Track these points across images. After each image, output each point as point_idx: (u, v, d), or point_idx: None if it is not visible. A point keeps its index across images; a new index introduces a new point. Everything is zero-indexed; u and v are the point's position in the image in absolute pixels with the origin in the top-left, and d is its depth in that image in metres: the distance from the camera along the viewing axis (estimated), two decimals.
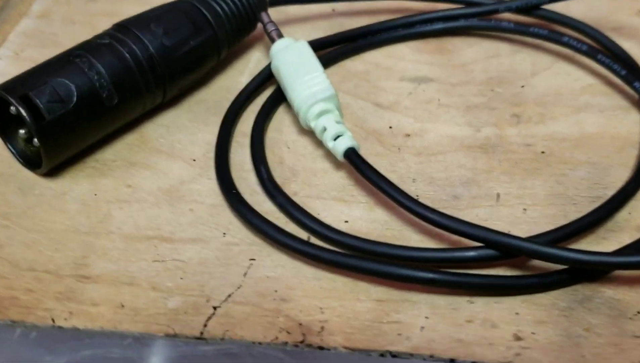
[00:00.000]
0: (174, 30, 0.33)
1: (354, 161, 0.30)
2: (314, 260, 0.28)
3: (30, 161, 0.32)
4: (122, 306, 0.27)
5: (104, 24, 0.38)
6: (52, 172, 0.31)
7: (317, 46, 0.37)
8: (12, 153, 0.32)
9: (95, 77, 0.31)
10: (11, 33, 0.40)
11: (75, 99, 0.30)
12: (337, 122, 0.32)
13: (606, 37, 0.37)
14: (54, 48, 0.38)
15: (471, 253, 0.27)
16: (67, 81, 0.30)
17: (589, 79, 0.36)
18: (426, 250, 0.28)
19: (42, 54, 0.37)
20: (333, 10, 0.42)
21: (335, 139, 0.31)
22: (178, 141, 0.33)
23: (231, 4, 0.36)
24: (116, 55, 0.32)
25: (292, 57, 0.34)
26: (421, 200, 0.30)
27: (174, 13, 0.34)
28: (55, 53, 0.37)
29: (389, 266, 0.27)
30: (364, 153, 0.32)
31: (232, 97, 0.35)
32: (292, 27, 0.40)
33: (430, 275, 0.26)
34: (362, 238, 0.28)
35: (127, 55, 0.32)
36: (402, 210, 0.29)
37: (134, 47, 0.32)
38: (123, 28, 0.33)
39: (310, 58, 0.34)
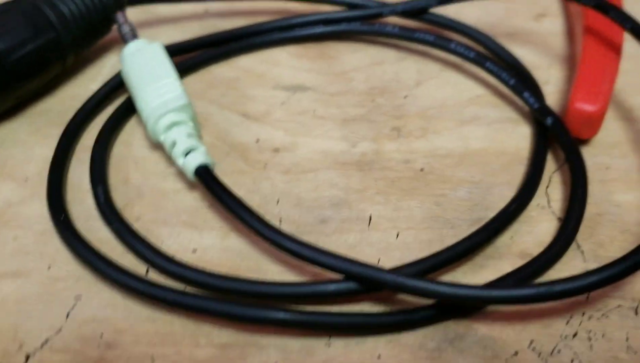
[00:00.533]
0: (8, 32, 0.29)
1: (206, 180, 0.27)
2: (149, 298, 0.24)
3: None
4: None
5: None
6: None
7: (181, 49, 0.34)
8: None
9: None
10: None
11: None
12: (189, 136, 0.28)
13: (496, 43, 0.34)
14: None
15: (331, 287, 0.23)
16: None
17: (478, 90, 0.33)
18: (280, 285, 0.24)
19: None
20: (206, 11, 0.38)
21: (186, 155, 0.27)
22: (11, 157, 0.29)
23: (80, 3, 0.31)
24: None
25: (143, 62, 0.30)
26: (284, 225, 0.27)
27: (10, 14, 0.30)
28: None
29: (232, 306, 0.23)
30: (224, 170, 0.29)
31: (79, 106, 0.31)
32: (159, 29, 0.36)
33: (281, 315, 0.23)
34: (207, 272, 0.24)
35: None
36: (258, 238, 0.25)
37: None
38: None
39: (163, 62, 0.30)
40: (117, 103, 0.32)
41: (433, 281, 0.23)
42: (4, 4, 0.30)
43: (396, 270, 0.24)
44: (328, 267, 0.24)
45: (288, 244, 0.24)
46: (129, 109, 0.31)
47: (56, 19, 0.30)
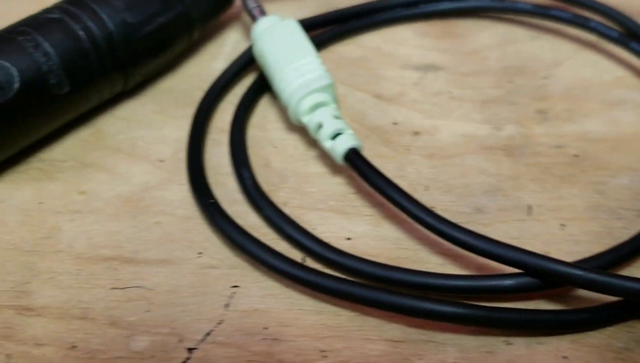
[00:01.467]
0: (138, 4, 0.28)
1: (357, 164, 0.25)
2: (313, 288, 0.22)
3: None
4: (74, 346, 0.21)
5: None
6: None
7: (305, 27, 0.32)
8: None
9: (42, 60, 0.25)
10: None
11: (17, 85, 0.24)
12: (336, 118, 0.26)
13: (637, 24, 0.32)
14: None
15: (508, 282, 0.22)
16: (7, 64, 0.24)
17: (619, 71, 0.32)
18: (452, 277, 0.22)
19: None
20: None
21: (333, 138, 0.26)
22: (141, 138, 0.28)
23: None
24: (68, 33, 0.26)
25: (279, 39, 0.28)
26: (437, 212, 0.25)
27: None
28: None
29: (407, 299, 0.21)
30: (366, 154, 0.27)
31: (204, 85, 0.30)
32: (272, 5, 0.35)
33: (460, 310, 0.21)
34: (372, 261, 0.23)
35: (82, 33, 0.26)
36: (416, 225, 0.24)
37: (89, 23, 0.26)
38: (78, 1, 0.27)
39: (302, 40, 0.28)
40: (242, 83, 0.30)
41: (623, 276, 0.21)
42: None
43: (580, 265, 0.22)
44: (504, 260, 0.22)
45: (458, 234, 0.23)
46: (259, 90, 0.29)
47: None
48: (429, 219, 0.23)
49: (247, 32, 0.33)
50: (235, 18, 0.34)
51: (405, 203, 0.23)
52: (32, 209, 0.25)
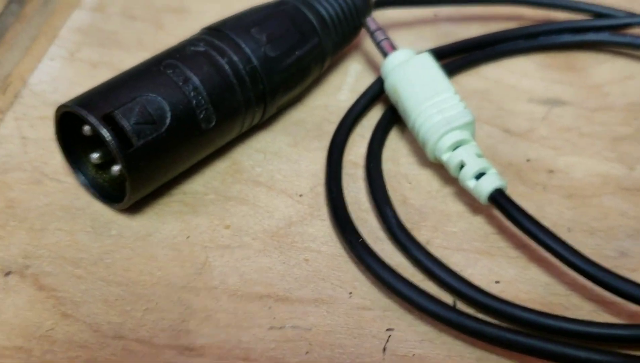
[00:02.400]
0: (278, 38, 0.28)
1: (504, 205, 0.25)
2: (473, 335, 0.22)
3: (104, 192, 0.26)
4: None
5: (171, 22, 0.33)
6: (131, 207, 0.26)
7: None
8: (82, 182, 0.26)
9: (192, 94, 0.25)
10: (62, 28, 0.34)
11: (168, 120, 0.24)
12: (478, 156, 0.26)
13: None
14: (115, 49, 0.33)
15: None
16: (159, 98, 0.24)
17: None
18: (609, 326, 0.22)
19: (102, 55, 0.32)
20: (435, 15, 0.36)
21: (477, 178, 0.26)
22: (278, 171, 0.28)
23: (337, 6, 0.30)
24: (214, 66, 0.26)
25: (414, 74, 0.28)
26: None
27: (277, 17, 0.28)
28: (117, 54, 0.32)
29: (574, 349, 0.21)
30: None
31: (331, 117, 0.30)
32: (394, 34, 0.34)
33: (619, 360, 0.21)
34: (527, 308, 0.22)
35: (227, 67, 0.26)
36: (565, 269, 0.23)
37: (234, 57, 0.26)
38: (219, 33, 0.27)
39: (438, 74, 0.28)
40: (370, 115, 0.30)
41: None
42: (266, 6, 0.29)
43: None
44: None
45: (608, 279, 0.22)
46: (389, 123, 0.29)
47: (317, 23, 0.29)
48: (581, 263, 0.23)
49: (369, 61, 0.33)
50: (356, 47, 0.34)
51: (556, 246, 0.23)
52: (181, 243, 0.25)
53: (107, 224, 0.25)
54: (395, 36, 0.34)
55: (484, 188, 0.25)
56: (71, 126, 0.25)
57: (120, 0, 0.36)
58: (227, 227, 0.26)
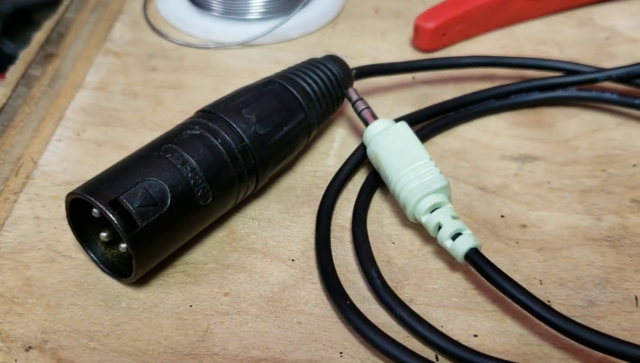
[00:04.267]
0: (267, 116, 0.30)
1: (478, 264, 0.27)
2: None
3: (113, 267, 0.28)
4: None
5: (169, 98, 0.36)
6: (139, 280, 0.28)
7: (407, 123, 0.34)
8: (92, 259, 0.28)
9: (190, 175, 0.28)
10: (68, 108, 0.37)
11: (169, 201, 0.27)
12: (454, 218, 0.29)
13: None
14: (118, 126, 0.35)
15: None
16: (159, 181, 0.27)
17: None
18: None
19: (106, 133, 0.35)
20: (413, 78, 0.39)
21: (453, 238, 0.28)
22: (272, 238, 0.30)
23: (320, 82, 0.33)
24: (209, 148, 0.28)
25: (392, 142, 0.31)
26: (554, 307, 0.27)
27: (265, 97, 0.31)
28: (120, 132, 0.35)
29: None
30: (481, 249, 0.29)
31: (320, 182, 0.32)
32: (374, 99, 0.37)
33: None
34: (502, 360, 0.25)
35: (221, 147, 0.29)
36: (537, 321, 0.26)
37: (227, 137, 0.29)
38: (212, 116, 0.30)
39: (414, 143, 0.31)
40: (354, 180, 0.33)
41: None
42: (254, 87, 0.32)
43: None
44: (619, 355, 0.24)
45: (578, 331, 0.25)
46: (373, 186, 0.32)
47: (303, 99, 0.32)
48: (548, 315, 0.25)
49: (353, 127, 0.36)
50: (341, 114, 0.36)
51: (526, 301, 0.26)
52: (184, 312, 0.27)
53: (117, 297, 0.28)
54: (377, 101, 0.37)
55: (460, 248, 0.28)
56: (81, 208, 0.28)
57: (121, 78, 0.39)
58: (226, 294, 0.28)
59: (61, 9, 0.44)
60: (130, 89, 0.38)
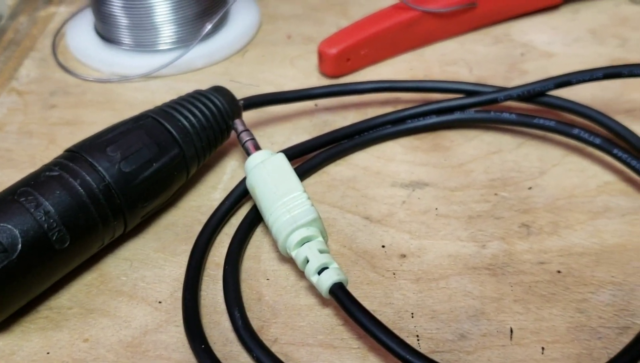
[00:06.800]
0: (134, 153, 0.29)
1: (340, 299, 0.26)
2: None
3: None
4: None
5: (63, 135, 0.35)
6: (1, 325, 0.27)
7: (298, 152, 0.34)
8: None
9: (43, 218, 0.27)
10: None
11: (19, 246, 0.26)
12: (321, 252, 0.28)
13: (621, 126, 0.33)
14: (7, 168, 0.35)
15: None
16: (9, 226, 0.26)
17: (605, 176, 0.32)
18: None
19: None
20: (316, 105, 0.38)
21: (319, 272, 0.27)
22: (142, 279, 0.29)
23: (200, 115, 0.32)
24: (67, 189, 0.28)
25: (268, 174, 0.30)
26: (422, 342, 0.26)
27: (134, 133, 0.30)
28: (9, 173, 0.34)
29: None
30: (355, 280, 0.28)
31: (204, 218, 0.32)
32: (271, 128, 0.37)
33: None
34: None
35: (80, 188, 0.28)
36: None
37: (87, 177, 0.28)
38: (75, 155, 0.29)
39: (288, 175, 0.30)
40: (240, 213, 0.32)
41: None
42: (125, 122, 0.31)
43: None
44: None
45: None
46: (253, 221, 0.31)
47: (178, 134, 0.31)
48: (406, 354, 0.24)
49: (245, 158, 0.35)
50: (233, 145, 0.35)
51: (385, 339, 0.25)
52: (41, 360, 0.26)
53: None
54: (275, 130, 0.36)
55: (324, 283, 0.27)
56: None
57: (19, 117, 0.38)
58: (86, 340, 0.27)
59: None
60: (26, 128, 0.38)
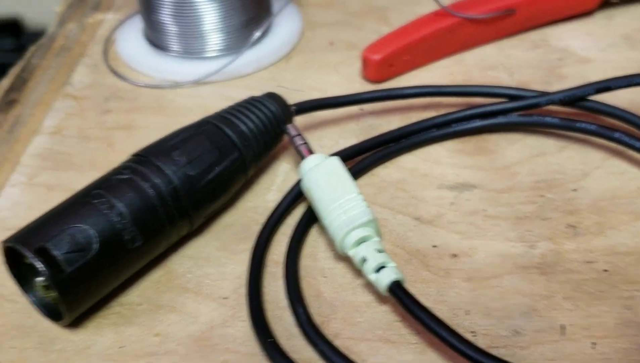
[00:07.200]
0: (198, 157, 0.31)
1: (400, 296, 0.28)
2: None
3: (51, 310, 0.29)
4: None
5: (120, 139, 0.37)
6: (74, 321, 0.29)
7: (348, 155, 0.35)
8: (31, 302, 0.29)
9: (117, 219, 0.28)
10: (24, 154, 0.38)
11: (96, 246, 0.28)
12: (378, 251, 0.29)
13: None
14: (69, 170, 0.36)
15: None
16: (86, 227, 0.28)
17: None
18: None
19: (57, 178, 0.36)
20: (361, 109, 0.39)
21: (377, 271, 0.28)
22: (206, 276, 0.31)
23: (257, 120, 0.33)
24: (138, 192, 0.29)
25: (323, 177, 0.31)
26: (478, 338, 0.27)
27: (197, 138, 0.32)
28: (71, 175, 0.36)
29: None
30: (409, 279, 0.30)
31: (260, 218, 0.33)
32: (320, 132, 0.38)
33: None
34: None
35: (150, 190, 0.29)
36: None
37: (156, 181, 0.30)
38: (143, 159, 0.31)
39: (344, 177, 0.31)
40: (295, 213, 0.33)
41: None
42: (187, 129, 0.33)
43: None
44: None
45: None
46: (309, 221, 0.32)
47: (238, 138, 0.32)
48: (465, 349, 0.25)
49: (296, 161, 0.36)
50: (285, 149, 0.37)
51: (445, 334, 0.26)
52: (114, 354, 0.28)
53: (52, 340, 0.29)
54: (323, 134, 0.37)
55: (383, 281, 0.28)
56: (20, 254, 0.29)
57: (77, 122, 0.40)
58: (157, 335, 0.29)
59: (27, 54, 0.46)
60: (84, 133, 0.39)
